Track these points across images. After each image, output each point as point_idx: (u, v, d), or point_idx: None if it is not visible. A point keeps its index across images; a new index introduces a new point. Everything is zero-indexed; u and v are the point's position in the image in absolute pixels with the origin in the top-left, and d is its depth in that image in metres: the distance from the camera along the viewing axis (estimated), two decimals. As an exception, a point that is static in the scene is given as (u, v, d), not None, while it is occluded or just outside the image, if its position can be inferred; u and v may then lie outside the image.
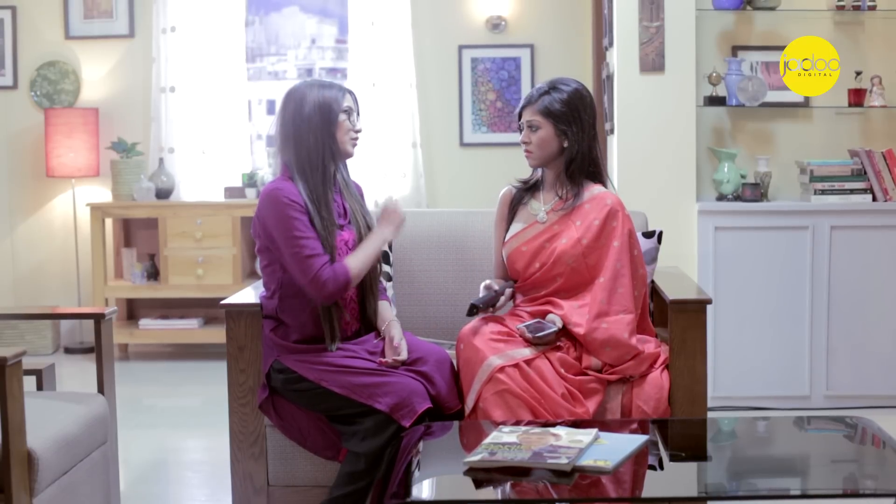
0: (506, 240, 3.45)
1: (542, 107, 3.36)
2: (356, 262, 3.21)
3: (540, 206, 3.44)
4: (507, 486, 2.51)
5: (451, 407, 3.17)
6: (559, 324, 3.26)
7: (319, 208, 3.20)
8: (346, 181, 3.37)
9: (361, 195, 3.44)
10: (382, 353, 3.23)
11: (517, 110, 3.44)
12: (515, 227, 3.44)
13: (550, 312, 3.31)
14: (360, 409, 3.07)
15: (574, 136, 3.37)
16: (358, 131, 3.31)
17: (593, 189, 3.41)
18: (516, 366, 3.12)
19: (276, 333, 3.24)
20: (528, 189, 3.50)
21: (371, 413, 3.05)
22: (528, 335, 3.21)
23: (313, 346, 3.20)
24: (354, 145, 3.31)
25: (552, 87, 3.40)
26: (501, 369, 3.10)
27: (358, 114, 3.34)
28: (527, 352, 3.18)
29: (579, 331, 3.24)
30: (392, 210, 3.33)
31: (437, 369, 3.18)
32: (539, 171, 3.50)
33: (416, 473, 2.58)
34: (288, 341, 3.21)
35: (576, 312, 3.27)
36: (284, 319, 3.24)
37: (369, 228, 3.34)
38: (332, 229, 3.21)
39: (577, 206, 3.38)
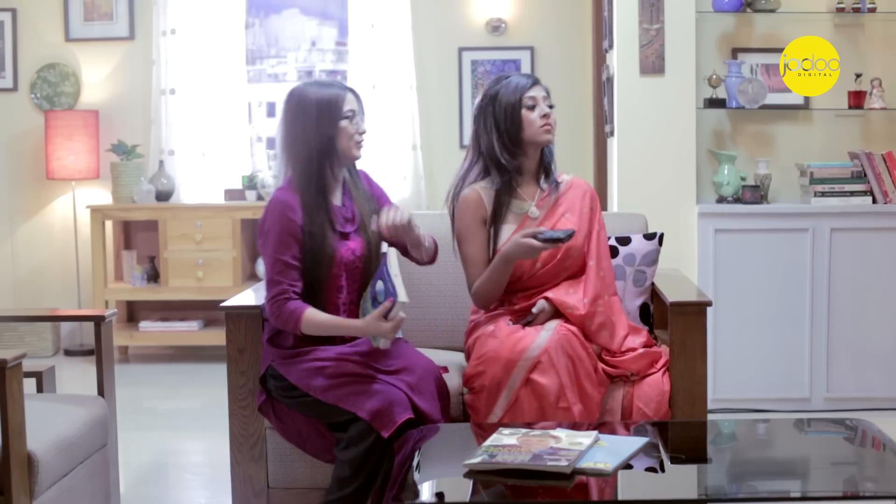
0: (499, 245, 3.31)
1: (546, 88, 3.40)
2: (314, 321, 3.07)
3: (526, 203, 3.39)
4: (507, 488, 2.51)
5: (433, 421, 3.07)
6: (545, 305, 3.26)
7: (312, 222, 3.12)
8: (356, 183, 3.28)
9: (370, 183, 3.34)
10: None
11: (528, 85, 3.34)
12: (507, 229, 3.34)
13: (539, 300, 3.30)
14: (348, 416, 3.02)
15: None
16: (363, 133, 3.20)
17: (562, 176, 3.45)
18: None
19: (274, 338, 3.19)
20: (502, 191, 3.36)
21: (355, 421, 3.01)
22: (539, 241, 3.18)
23: (303, 348, 3.12)
24: (360, 148, 3.20)
25: (528, 75, 3.44)
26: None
27: (363, 113, 3.23)
28: (543, 339, 3.15)
29: (578, 312, 3.24)
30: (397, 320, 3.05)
31: (423, 381, 3.10)
32: (497, 179, 3.35)
33: (416, 476, 2.58)
34: (284, 347, 3.16)
35: (570, 297, 3.27)
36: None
37: (380, 233, 3.19)
38: (327, 241, 3.12)
39: (560, 195, 3.39)
